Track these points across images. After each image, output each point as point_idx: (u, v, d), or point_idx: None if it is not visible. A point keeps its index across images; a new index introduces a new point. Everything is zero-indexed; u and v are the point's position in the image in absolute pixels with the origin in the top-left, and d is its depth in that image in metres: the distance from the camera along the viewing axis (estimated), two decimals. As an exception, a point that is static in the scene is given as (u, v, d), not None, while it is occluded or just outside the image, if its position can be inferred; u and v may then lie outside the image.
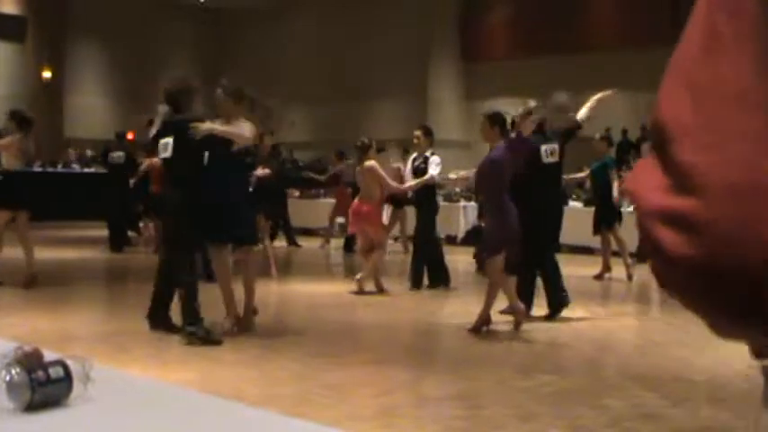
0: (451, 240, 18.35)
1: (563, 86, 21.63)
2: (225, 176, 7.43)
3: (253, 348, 7.03)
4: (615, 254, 12.33)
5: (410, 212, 16.01)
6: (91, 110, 26.80)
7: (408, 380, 6.08)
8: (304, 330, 8.12)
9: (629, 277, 11.98)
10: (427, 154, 10.77)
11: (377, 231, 10.52)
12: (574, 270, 12.25)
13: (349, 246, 15.32)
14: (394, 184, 10.75)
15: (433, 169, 10.52)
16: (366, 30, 24.84)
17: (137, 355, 6.67)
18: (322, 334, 8.01)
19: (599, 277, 12.24)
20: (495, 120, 7.94)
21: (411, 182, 10.72)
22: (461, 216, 18.80)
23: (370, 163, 10.24)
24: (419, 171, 10.71)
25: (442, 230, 17.36)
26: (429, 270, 10.89)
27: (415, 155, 11.00)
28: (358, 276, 10.34)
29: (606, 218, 12.02)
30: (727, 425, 5.12)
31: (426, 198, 10.88)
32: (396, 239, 15.95)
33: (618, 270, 12.08)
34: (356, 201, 10.57)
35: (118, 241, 15.13)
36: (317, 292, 10.30)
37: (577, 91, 21.60)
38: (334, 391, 5.69)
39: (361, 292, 10.19)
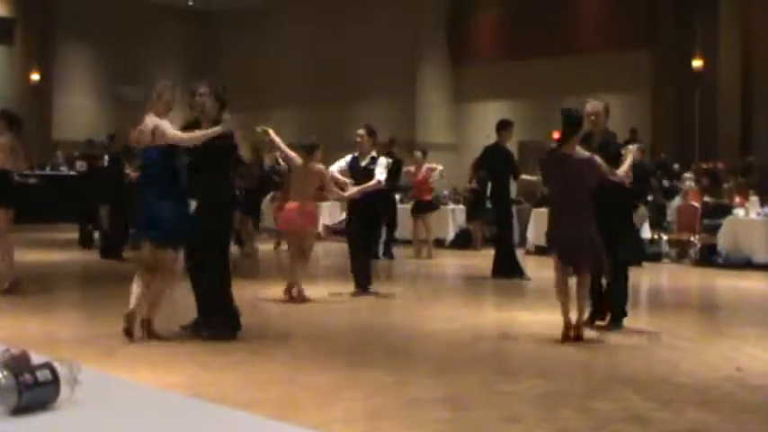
0: (440, 244, 18.38)
1: (551, 89, 21.84)
2: (152, 175, 7.49)
3: (238, 352, 7.02)
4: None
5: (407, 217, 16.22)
6: (79, 112, 26.73)
7: (393, 383, 6.08)
8: (289, 334, 8.11)
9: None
10: (374, 154, 10.52)
11: (310, 235, 10.30)
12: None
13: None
14: (335, 189, 10.37)
15: (380, 173, 10.24)
16: (354, 32, 24.85)
17: (123, 358, 6.66)
18: (307, 337, 8.01)
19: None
20: None
21: (353, 189, 10.27)
22: (450, 219, 18.83)
23: (321, 166, 10.10)
24: (368, 172, 10.40)
25: (434, 233, 17.47)
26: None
27: (355, 154, 10.59)
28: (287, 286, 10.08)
29: None
30: (714, 428, 5.14)
31: (377, 201, 10.60)
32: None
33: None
34: (292, 201, 10.20)
35: (85, 241, 16.06)
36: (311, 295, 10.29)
37: (565, 93, 21.76)
38: (319, 394, 5.69)
39: (291, 299, 9.96)
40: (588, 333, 7.94)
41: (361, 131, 10.59)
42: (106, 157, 15.44)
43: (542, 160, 8.29)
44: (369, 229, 10.80)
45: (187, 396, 2.55)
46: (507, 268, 12.55)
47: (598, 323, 8.50)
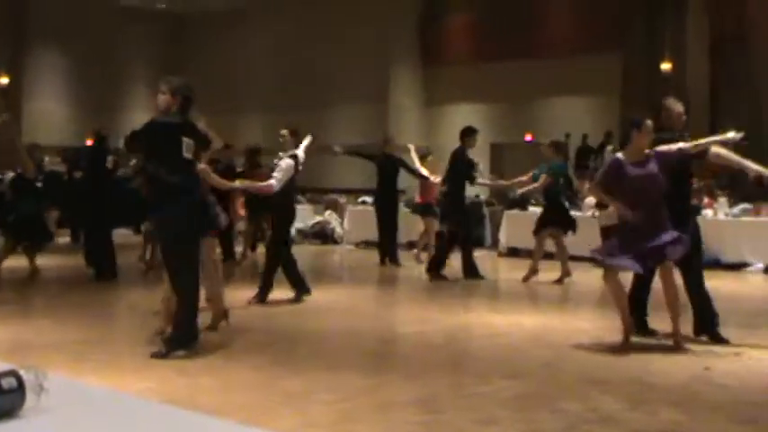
0: (413, 246, 18.40)
1: (523, 92, 21.95)
2: None
3: (210, 357, 6.99)
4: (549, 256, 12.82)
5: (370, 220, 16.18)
6: (50, 116, 26.51)
7: (367, 386, 6.09)
8: (262, 338, 8.09)
9: (560, 281, 12.34)
10: (291, 152, 10.14)
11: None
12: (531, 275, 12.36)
13: None
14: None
15: (276, 175, 9.83)
16: (326, 36, 24.83)
17: (93, 364, 6.61)
18: (280, 341, 7.99)
19: (559, 281, 12.39)
20: None
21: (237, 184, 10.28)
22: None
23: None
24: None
25: (403, 236, 17.46)
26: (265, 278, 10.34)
27: (281, 154, 10.33)
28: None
29: (553, 221, 12.38)
30: (684, 427, 5.19)
31: (281, 204, 10.30)
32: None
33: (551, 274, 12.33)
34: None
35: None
36: (273, 299, 10.26)
37: (536, 95, 21.89)
38: (293, 398, 5.69)
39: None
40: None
41: (284, 132, 10.28)
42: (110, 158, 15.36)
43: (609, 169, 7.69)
44: (274, 233, 10.59)
45: (158, 402, 2.54)
46: (470, 269, 12.71)
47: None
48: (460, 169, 12.94)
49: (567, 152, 15.02)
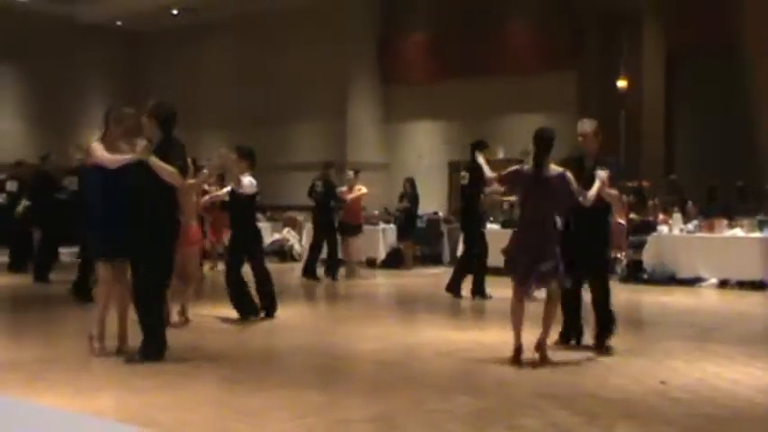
0: (371, 263, 18.46)
1: (481, 109, 22.08)
2: None
3: (166, 374, 6.93)
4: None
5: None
6: (6, 135, 26.16)
7: (324, 403, 6.08)
8: (218, 356, 8.04)
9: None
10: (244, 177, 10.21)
11: (193, 256, 10.10)
12: (493, 291, 12.41)
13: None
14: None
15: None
16: (285, 53, 24.83)
17: (50, 384, 6.52)
18: (237, 359, 7.96)
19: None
20: None
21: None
22: (381, 238, 18.92)
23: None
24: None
25: (363, 253, 17.50)
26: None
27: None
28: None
29: None
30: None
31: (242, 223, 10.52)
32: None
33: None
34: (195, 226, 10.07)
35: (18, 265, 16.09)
36: (231, 316, 10.22)
37: (494, 113, 22.03)
38: (249, 416, 5.66)
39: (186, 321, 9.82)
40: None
41: (233, 155, 10.17)
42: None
43: (515, 175, 7.93)
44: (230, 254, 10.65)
45: (111, 420, 2.53)
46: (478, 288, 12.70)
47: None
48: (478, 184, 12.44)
49: None
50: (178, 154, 7.60)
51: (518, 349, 7.62)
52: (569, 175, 7.70)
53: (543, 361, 7.59)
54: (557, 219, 7.89)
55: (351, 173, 16.52)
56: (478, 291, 12.60)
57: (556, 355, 7.88)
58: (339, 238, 16.04)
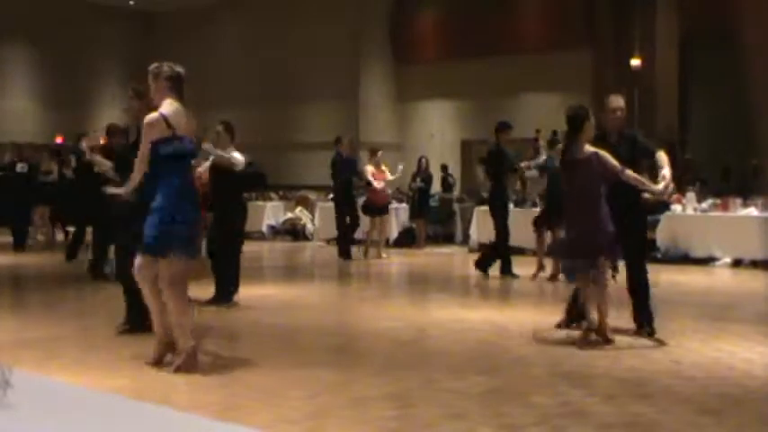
0: (384, 242, 18.43)
1: (493, 88, 22.00)
2: None
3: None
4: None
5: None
6: (18, 114, 26.23)
7: (338, 381, 6.09)
8: (233, 335, 8.07)
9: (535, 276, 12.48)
10: (231, 151, 9.94)
11: None
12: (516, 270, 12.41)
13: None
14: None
15: (235, 155, 9.85)
16: (297, 32, 24.78)
17: (65, 362, 6.55)
18: (251, 338, 7.98)
19: (534, 277, 12.45)
20: None
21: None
22: (393, 218, 18.89)
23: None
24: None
25: (386, 234, 17.50)
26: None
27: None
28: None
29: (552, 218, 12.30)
30: (653, 419, 5.22)
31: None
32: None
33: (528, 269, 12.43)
34: None
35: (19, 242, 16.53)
36: (245, 296, 10.23)
37: (507, 92, 21.94)
38: (263, 394, 5.67)
39: None
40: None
41: (219, 127, 10.05)
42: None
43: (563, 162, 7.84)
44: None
45: (126, 398, 2.53)
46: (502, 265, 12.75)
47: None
48: (504, 164, 12.69)
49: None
50: None
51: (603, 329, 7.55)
52: (603, 153, 7.61)
53: (606, 342, 7.47)
54: (602, 198, 7.70)
55: (380, 153, 16.18)
56: (506, 270, 12.62)
57: (570, 335, 7.87)
58: (366, 218, 16.04)
